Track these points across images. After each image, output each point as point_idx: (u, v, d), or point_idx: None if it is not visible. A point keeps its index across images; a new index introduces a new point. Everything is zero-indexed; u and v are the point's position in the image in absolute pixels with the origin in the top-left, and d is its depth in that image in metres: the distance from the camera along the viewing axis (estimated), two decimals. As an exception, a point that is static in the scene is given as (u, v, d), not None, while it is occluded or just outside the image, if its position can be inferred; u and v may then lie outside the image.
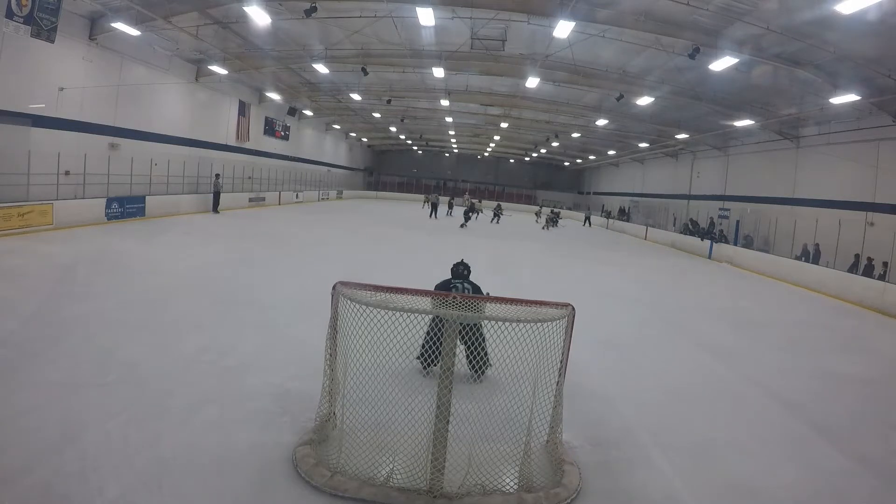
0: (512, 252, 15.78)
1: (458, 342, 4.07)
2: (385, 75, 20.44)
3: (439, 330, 3.69)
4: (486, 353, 4.02)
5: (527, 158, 45.18)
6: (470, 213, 24.79)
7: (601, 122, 23.14)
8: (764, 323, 9.29)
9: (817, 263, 14.84)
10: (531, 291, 8.36)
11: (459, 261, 5.24)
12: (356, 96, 22.77)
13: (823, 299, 12.62)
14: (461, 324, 3.62)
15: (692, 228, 23.46)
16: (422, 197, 35.90)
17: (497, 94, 22.16)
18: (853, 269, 13.59)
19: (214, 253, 10.94)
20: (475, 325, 3.85)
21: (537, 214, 33.68)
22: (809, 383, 5.92)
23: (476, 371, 4.42)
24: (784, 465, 3.87)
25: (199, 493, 2.94)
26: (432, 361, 4.32)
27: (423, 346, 4.26)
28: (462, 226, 22.46)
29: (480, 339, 3.76)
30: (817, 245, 15.42)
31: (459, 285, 4.99)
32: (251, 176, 24.23)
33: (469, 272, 5.18)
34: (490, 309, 3.31)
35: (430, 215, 26.41)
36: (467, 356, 3.97)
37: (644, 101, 17.38)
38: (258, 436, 3.60)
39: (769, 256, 16.74)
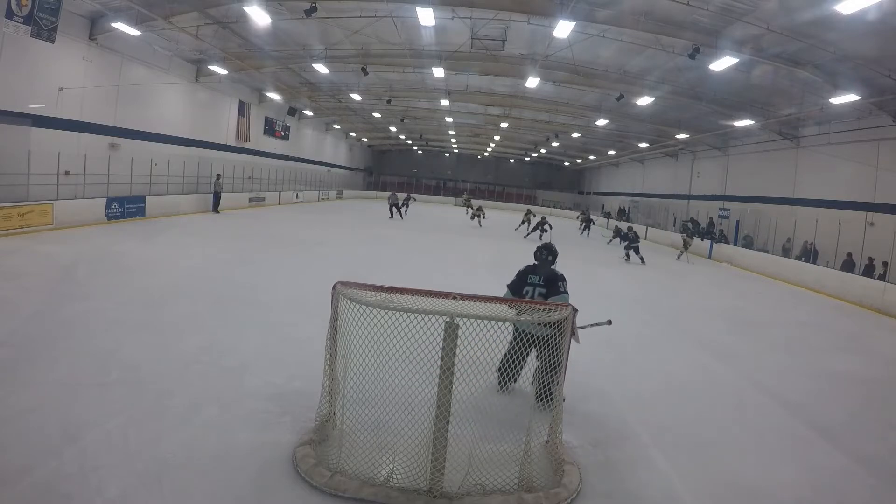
0: (513, 252, 15.77)
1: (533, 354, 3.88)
2: (385, 75, 20.44)
3: (520, 343, 3.57)
4: (551, 378, 3.50)
5: (527, 158, 45.21)
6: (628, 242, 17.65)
7: (601, 122, 23.14)
8: (764, 323, 9.29)
9: (815, 263, 14.86)
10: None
11: (543, 244, 4.69)
12: (356, 96, 22.78)
13: (823, 299, 12.63)
14: (533, 333, 3.56)
15: (692, 228, 23.45)
16: (459, 199, 35.74)
17: (497, 94, 22.17)
18: (847, 267, 13.61)
19: (214, 253, 10.94)
20: (548, 337, 3.51)
21: (467, 206, 29.79)
22: (809, 383, 5.92)
23: (540, 394, 3.59)
24: (784, 465, 3.87)
25: (199, 493, 2.94)
26: (510, 378, 3.90)
27: (504, 359, 3.82)
28: (626, 259, 16.29)
29: (553, 359, 3.44)
30: (813, 244, 15.45)
31: (534, 281, 4.44)
32: (251, 176, 24.23)
33: (553, 258, 4.59)
34: (490, 309, 3.30)
35: (391, 216, 23.93)
36: (535, 373, 3.79)
37: (644, 101, 17.39)
38: (258, 436, 3.59)
39: (769, 256, 16.76)
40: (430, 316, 3.07)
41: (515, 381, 3.85)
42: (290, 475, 3.17)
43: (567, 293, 4.42)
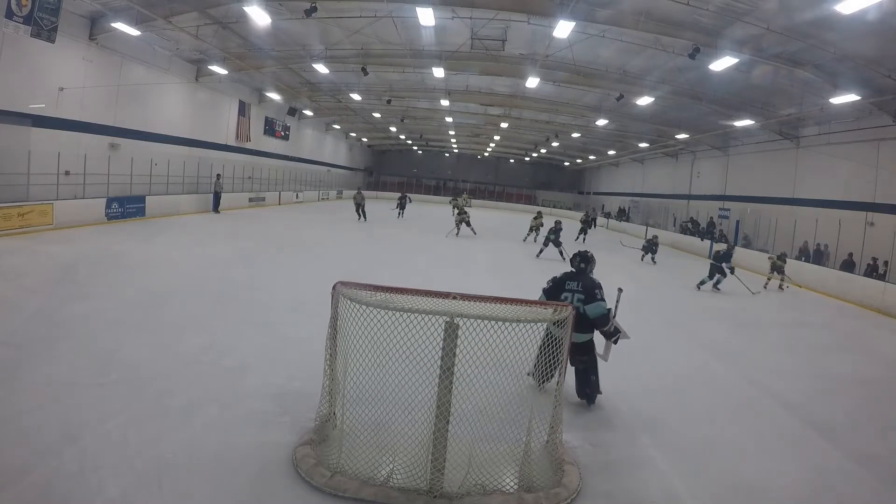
0: (512, 252, 15.78)
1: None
2: (385, 75, 20.43)
3: (551, 342, 3.57)
4: (547, 364, 3.51)
5: (527, 158, 45.17)
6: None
7: (601, 122, 23.12)
8: (764, 323, 9.29)
9: (819, 263, 14.85)
10: (531, 292, 8.34)
11: (577, 252, 4.80)
12: (356, 96, 22.76)
13: (823, 299, 12.63)
14: (554, 334, 3.58)
15: (692, 228, 23.45)
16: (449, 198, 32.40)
17: (497, 94, 22.15)
18: (847, 267, 13.58)
19: (214, 253, 10.94)
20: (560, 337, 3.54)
21: (454, 207, 24.50)
22: (809, 383, 5.92)
23: (581, 393, 4.55)
24: (784, 465, 3.87)
25: (199, 493, 2.94)
26: (544, 376, 3.74)
27: (537, 359, 3.70)
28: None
29: (555, 350, 3.46)
30: (818, 245, 15.43)
31: (573, 288, 4.52)
32: (251, 176, 24.24)
33: (587, 265, 4.68)
34: (490, 309, 3.30)
35: (359, 217, 20.96)
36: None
37: (644, 101, 17.37)
38: (258, 436, 3.60)
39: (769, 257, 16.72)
40: (430, 316, 3.07)
41: (549, 379, 3.79)
42: (290, 475, 3.17)
43: (604, 300, 4.52)
